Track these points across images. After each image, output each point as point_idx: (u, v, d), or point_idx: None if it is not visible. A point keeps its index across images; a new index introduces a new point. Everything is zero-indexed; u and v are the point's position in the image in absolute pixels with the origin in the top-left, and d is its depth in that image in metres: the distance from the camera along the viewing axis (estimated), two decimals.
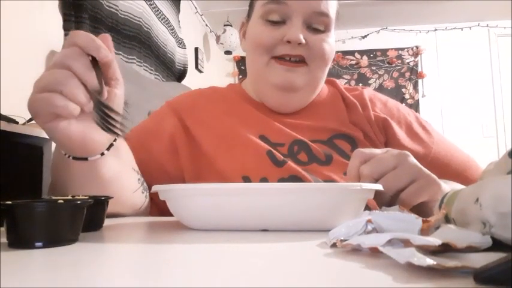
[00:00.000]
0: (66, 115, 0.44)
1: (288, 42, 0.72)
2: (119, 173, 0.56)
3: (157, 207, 0.71)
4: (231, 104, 0.81)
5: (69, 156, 0.50)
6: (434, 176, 0.54)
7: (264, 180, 0.68)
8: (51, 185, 0.60)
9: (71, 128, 0.46)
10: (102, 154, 0.51)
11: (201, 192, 0.42)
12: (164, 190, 0.45)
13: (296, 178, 0.68)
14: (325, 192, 0.42)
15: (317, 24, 0.75)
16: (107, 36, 0.47)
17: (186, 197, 0.43)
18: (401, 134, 0.78)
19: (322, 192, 0.42)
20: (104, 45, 0.45)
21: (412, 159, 0.54)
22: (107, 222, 0.47)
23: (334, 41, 0.79)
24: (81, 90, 0.43)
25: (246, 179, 0.69)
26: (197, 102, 0.81)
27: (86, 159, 0.50)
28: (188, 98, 0.84)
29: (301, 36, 0.72)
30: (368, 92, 0.85)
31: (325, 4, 0.74)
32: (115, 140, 0.52)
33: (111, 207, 0.57)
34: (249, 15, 0.82)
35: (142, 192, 0.64)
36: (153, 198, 0.70)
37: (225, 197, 0.41)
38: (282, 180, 0.68)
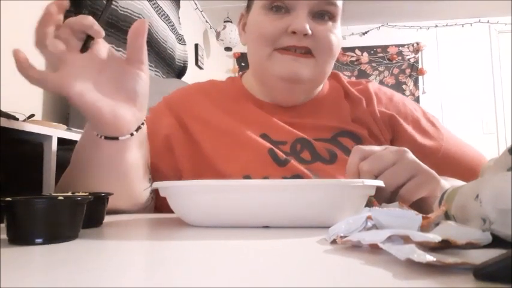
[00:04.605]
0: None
1: (293, 33, 0.69)
2: (139, 161, 0.58)
3: (157, 203, 0.71)
4: (231, 101, 0.78)
5: (101, 137, 0.51)
6: (434, 172, 0.54)
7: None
8: (68, 174, 0.61)
9: (102, 102, 0.49)
10: (132, 134, 0.53)
11: (201, 189, 0.42)
12: (165, 187, 0.45)
13: (299, 178, 0.66)
14: (325, 188, 0.42)
15: (324, 13, 0.71)
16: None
17: (187, 194, 0.43)
18: (410, 130, 0.76)
19: (322, 189, 0.42)
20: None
21: (411, 155, 0.54)
22: (107, 218, 0.47)
23: (340, 34, 0.75)
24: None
25: (248, 179, 0.66)
26: (195, 98, 0.78)
27: (117, 139, 0.52)
28: (186, 93, 0.80)
29: (308, 27, 0.68)
30: (373, 86, 0.81)
31: None
32: (143, 124, 0.55)
33: (120, 201, 0.58)
34: (248, 7, 0.78)
35: (150, 193, 0.64)
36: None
37: (226, 193, 0.41)
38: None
